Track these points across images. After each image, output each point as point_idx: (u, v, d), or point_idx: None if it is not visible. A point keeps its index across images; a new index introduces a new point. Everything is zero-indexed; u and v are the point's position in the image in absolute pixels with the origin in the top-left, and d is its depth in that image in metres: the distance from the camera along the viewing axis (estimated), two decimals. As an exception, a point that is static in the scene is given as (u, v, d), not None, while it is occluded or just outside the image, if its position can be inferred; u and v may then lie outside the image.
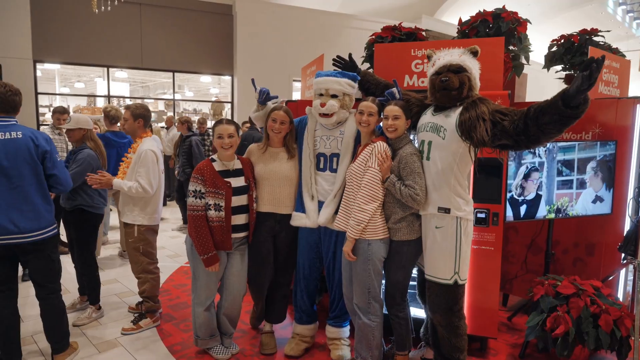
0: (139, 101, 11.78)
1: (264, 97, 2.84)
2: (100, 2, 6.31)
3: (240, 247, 2.82)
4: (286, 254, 2.93)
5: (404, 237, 2.43)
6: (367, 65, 3.58)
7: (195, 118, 12.48)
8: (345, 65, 2.91)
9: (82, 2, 8.47)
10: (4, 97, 2.47)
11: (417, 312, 2.93)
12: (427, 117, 2.42)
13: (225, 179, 2.67)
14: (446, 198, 2.31)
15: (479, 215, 2.77)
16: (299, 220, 2.80)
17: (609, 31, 3.67)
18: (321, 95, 2.67)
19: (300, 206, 2.81)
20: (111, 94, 9.86)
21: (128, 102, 11.20)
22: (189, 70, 10.44)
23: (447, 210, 2.31)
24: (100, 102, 10.02)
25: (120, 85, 10.60)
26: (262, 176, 2.82)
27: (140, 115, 3.25)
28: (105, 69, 9.65)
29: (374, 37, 3.53)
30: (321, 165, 2.80)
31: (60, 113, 5.07)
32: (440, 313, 2.38)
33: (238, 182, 2.73)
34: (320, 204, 2.75)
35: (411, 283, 2.67)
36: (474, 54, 2.33)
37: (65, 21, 8.81)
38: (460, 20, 3.41)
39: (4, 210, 2.39)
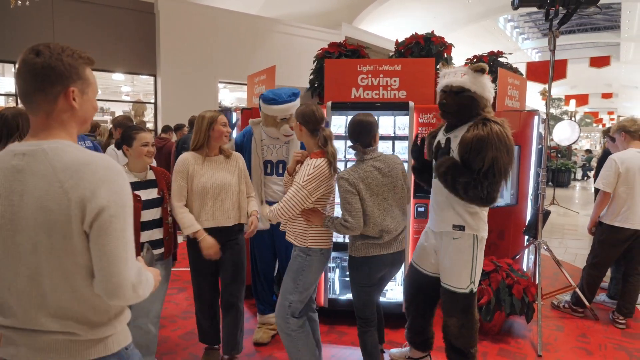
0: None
1: None
2: (17, -3, 5.91)
3: (158, 264, 2.48)
4: (233, 269, 2.76)
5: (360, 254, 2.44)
6: (310, 77, 3.95)
7: (106, 117, 11.90)
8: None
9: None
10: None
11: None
12: (439, 136, 2.48)
13: (135, 192, 2.38)
14: (459, 216, 2.35)
15: (419, 209, 3.28)
16: None
17: (510, 54, 4.44)
18: (284, 119, 2.91)
19: None
20: (8, 91, 9.09)
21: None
22: (106, 68, 9.97)
23: (461, 228, 2.35)
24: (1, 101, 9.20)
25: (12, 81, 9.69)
26: (207, 189, 2.59)
27: (118, 125, 3.28)
28: (11, 65, 8.92)
29: (321, 51, 3.91)
30: (268, 170, 3.10)
31: None
32: (457, 316, 2.48)
33: (150, 194, 2.49)
34: (271, 205, 3.00)
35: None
36: (480, 72, 2.28)
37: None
38: (397, 41, 3.93)
39: None
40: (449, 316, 2.52)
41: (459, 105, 2.28)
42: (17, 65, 1.17)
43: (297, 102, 2.91)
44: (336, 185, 2.41)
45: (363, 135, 2.38)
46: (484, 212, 2.41)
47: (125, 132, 2.49)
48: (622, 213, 3.50)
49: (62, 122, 1.20)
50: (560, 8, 3.17)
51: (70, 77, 1.18)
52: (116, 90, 12.72)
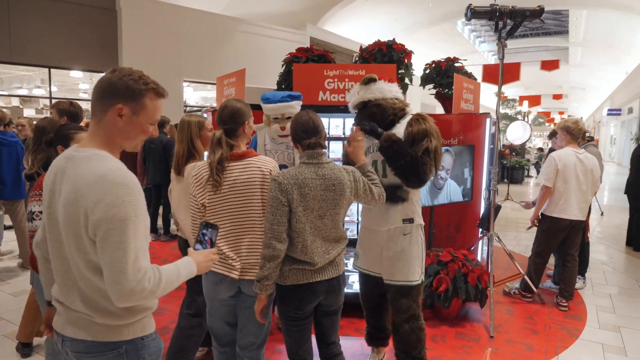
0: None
1: None
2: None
3: None
4: None
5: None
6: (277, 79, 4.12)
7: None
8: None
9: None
10: None
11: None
12: (368, 141, 2.56)
13: None
14: (408, 209, 2.51)
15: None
16: None
17: (465, 59, 4.78)
18: (276, 119, 2.90)
19: None
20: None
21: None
22: (64, 65, 9.74)
23: (410, 220, 2.51)
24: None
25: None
26: None
27: (65, 112, 3.18)
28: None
29: (290, 56, 4.08)
30: None
31: None
32: (410, 313, 2.54)
33: None
34: None
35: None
36: (371, 82, 2.47)
37: None
38: (361, 47, 4.16)
39: None
40: (399, 314, 2.55)
41: (370, 116, 2.48)
42: None
43: (292, 103, 2.87)
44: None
45: (311, 134, 2.05)
46: (420, 203, 2.59)
47: (61, 131, 2.25)
48: (559, 205, 3.88)
49: (106, 131, 1.37)
50: (508, 20, 3.48)
51: (122, 96, 1.34)
52: (73, 88, 12.37)
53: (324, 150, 2.06)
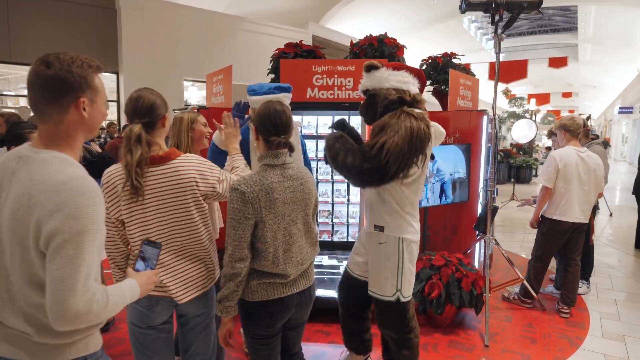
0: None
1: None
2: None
3: None
4: None
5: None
6: (272, 76, 3.98)
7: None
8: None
9: None
10: None
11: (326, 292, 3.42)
12: None
13: None
14: (378, 215, 2.29)
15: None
16: None
17: (463, 55, 4.59)
18: None
19: None
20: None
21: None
22: (65, 65, 9.71)
23: (381, 229, 2.27)
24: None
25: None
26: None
27: None
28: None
29: (278, 52, 3.94)
30: None
31: None
32: (390, 328, 2.38)
33: None
34: None
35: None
36: (372, 69, 2.28)
37: None
38: (351, 42, 4.00)
39: None
40: (382, 328, 2.42)
41: (366, 105, 2.33)
42: (28, 76, 1.19)
43: (280, 96, 2.66)
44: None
45: (282, 131, 1.82)
46: (407, 214, 2.27)
47: (15, 130, 2.07)
48: (560, 207, 3.68)
49: (68, 131, 1.23)
50: (505, 13, 3.30)
51: (80, 88, 1.21)
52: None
53: (287, 151, 1.85)
